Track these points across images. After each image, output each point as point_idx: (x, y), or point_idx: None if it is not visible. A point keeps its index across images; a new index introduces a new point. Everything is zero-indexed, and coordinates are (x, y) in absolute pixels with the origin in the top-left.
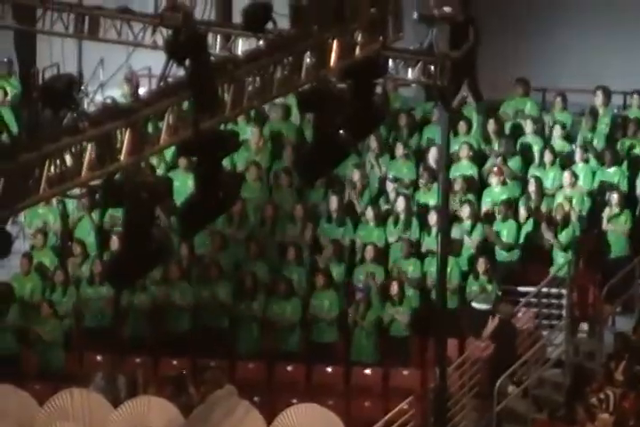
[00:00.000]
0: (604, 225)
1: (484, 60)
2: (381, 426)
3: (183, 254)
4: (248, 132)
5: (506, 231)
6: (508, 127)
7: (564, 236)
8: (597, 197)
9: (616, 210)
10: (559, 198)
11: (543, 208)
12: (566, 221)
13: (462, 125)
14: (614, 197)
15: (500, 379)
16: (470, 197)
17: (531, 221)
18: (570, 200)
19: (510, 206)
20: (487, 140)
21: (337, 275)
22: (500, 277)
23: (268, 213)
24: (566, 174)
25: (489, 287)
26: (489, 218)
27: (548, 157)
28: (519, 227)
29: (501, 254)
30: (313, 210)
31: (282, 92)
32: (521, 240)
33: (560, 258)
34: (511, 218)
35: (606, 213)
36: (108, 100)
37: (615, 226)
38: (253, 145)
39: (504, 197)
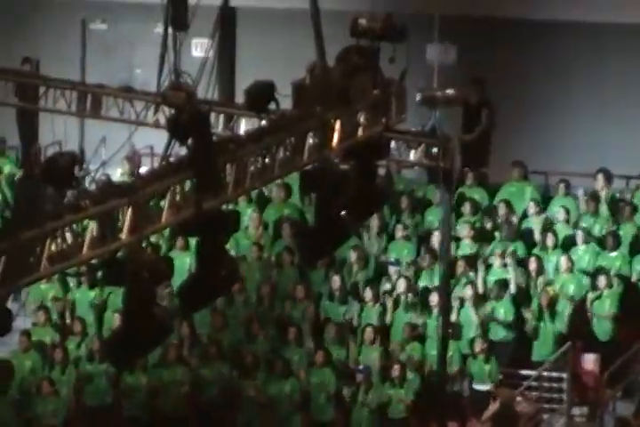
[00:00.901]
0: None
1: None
2: None
3: (184, 334)
4: (248, 215)
5: (503, 310)
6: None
7: (554, 320)
8: (593, 281)
9: (604, 292)
10: (557, 283)
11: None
12: (552, 305)
13: (466, 207)
14: (602, 279)
15: None
16: (471, 277)
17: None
18: (567, 284)
19: (503, 287)
20: (492, 223)
21: (337, 355)
22: (500, 358)
23: (266, 291)
24: (563, 258)
25: (487, 367)
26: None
27: (550, 240)
28: (516, 306)
29: (499, 334)
30: (315, 289)
31: (284, 172)
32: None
33: (551, 342)
34: (508, 296)
35: (590, 296)
36: (103, 178)
37: (599, 309)
38: (253, 229)
39: (506, 276)
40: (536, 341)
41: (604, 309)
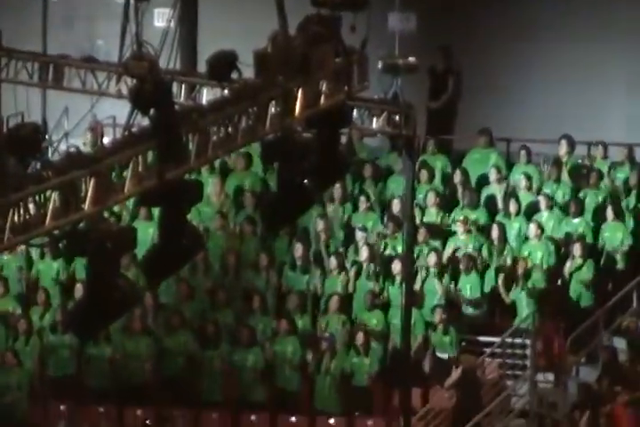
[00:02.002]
0: (567, 276)
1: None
2: None
3: (147, 304)
4: (211, 183)
5: (469, 285)
6: (474, 178)
7: (525, 289)
8: (562, 248)
9: (579, 261)
10: (525, 250)
11: (507, 260)
12: (527, 274)
13: (424, 174)
14: (577, 247)
15: None
16: (435, 244)
17: (493, 273)
18: (535, 251)
19: (472, 259)
20: (451, 190)
21: (302, 324)
22: (464, 327)
23: (232, 261)
24: (532, 225)
25: (446, 338)
26: (453, 266)
27: (512, 207)
28: (483, 279)
29: (467, 310)
30: (278, 258)
31: (247, 141)
32: (486, 291)
33: (523, 309)
34: (474, 271)
35: (569, 264)
36: (72, 149)
37: (578, 277)
38: (215, 196)
39: (469, 246)
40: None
41: (581, 276)
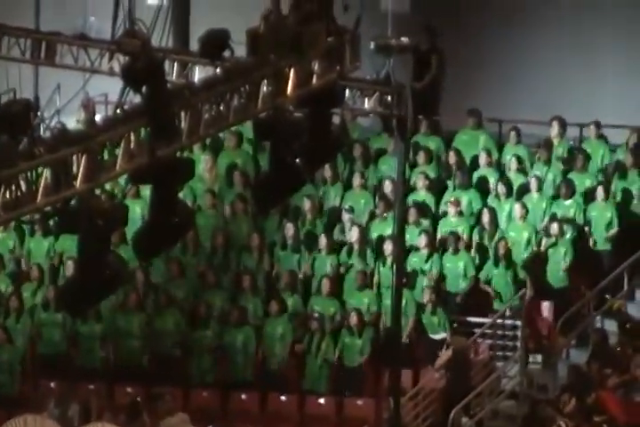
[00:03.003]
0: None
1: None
2: None
3: (139, 282)
4: (203, 161)
5: (462, 263)
6: (466, 159)
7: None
8: (547, 229)
9: (554, 240)
10: (511, 231)
11: (495, 240)
12: (508, 255)
13: (420, 156)
14: (554, 227)
15: (453, 410)
16: (425, 225)
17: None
18: (520, 232)
19: (459, 239)
20: (446, 171)
21: (292, 305)
22: (453, 307)
23: (220, 241)
24: (517, 206)
25: (434, 318)
26: (444, 247)
27: (502, 189)
28: (472, 260)
29: (454, 286)
30: (268, 238)
31: (238, 120)
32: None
33: (508, 290)
34: (463, 251)
35: (544, 242)
36: (58, 126)
37: (554, 256)
38: (206, 173)
39: (459, 227)
40: (495, 290)
41: (558, 256)
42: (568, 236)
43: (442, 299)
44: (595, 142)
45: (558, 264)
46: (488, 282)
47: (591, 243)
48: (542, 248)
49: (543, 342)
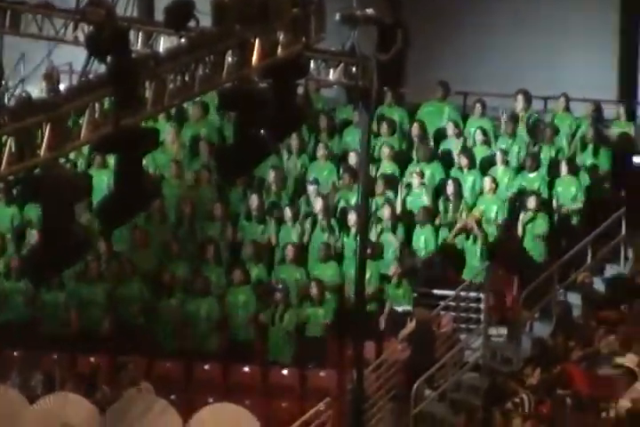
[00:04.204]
0: (520, 230)
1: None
2: None
3: (102, 251)
4: (168, 131)
5: (423, 237)
6: (430, 131)
7: (477, 242)
8: (516, 203)
9: (532, 214)
10: (479, 204)
11: (463, 215)
12: (478, 227)
13: (383, 126)
14: (531, 201)
15: (417, 382)
16: (390, 196)
17: (447, 227)
18: (489, 206)
19: (429, 212)
20: (409, 143)
21: (256, 275)
22: (418, 280)
23: (187, 211)
24: (487, 179)
25: (399, 291)
26: (410, 220)
27: (466, 161)
28: (437, 232)
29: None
30: (233, 208)
31: (203, 90)
32: (439, 244)
33: (475, 263)
34: (429, 223)
35: (522, 217)
36: (23, 95)
37: (532, 230)
38: (170, 144)
39: (424, 200)
40: (462, 263)
41: (535, 230)
42: (541, 209)
43: (406, 271)
44: (562, 115)
45: (533, 239)
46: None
47: (558, 217)
48: (520, 223)
49: (506, 315)
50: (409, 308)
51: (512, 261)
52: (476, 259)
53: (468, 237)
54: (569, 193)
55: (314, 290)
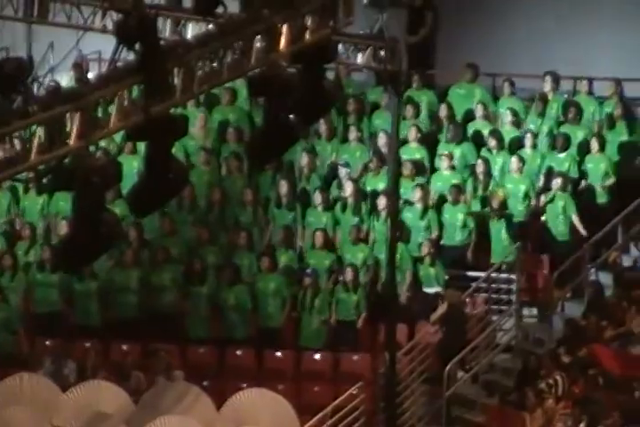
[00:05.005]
0: (546, 209)
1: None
2: (331, 411)
3: (132, 239)
4: (197, 117)
5: (454, 216)
6: (459, 113)
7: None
8: (544, 183)
9: (559, 194)
10: (506, 183)
11: (489, 193)
12: (503, 207)
13: (409, 109)
14: (557, 180)
15: (449, 364)
16: (420, 180)
17: (478, 206)
18: (517, 185)
19: (460, 191)
20: (438, 125)
21: (287, 260)
22: (448, 261)
23: (216, 197)
24: (513, 159)
25: (432, 270)
26: (439, 202)
27: (495, 142)
28: (469, 210)
29: (451, 239)
30: (263, 195)
31: (232, 76)
32: (470, 225)
33: (505, 243)
34: (461, 203)
35: (545, 196)
36: (52, 84)
37: (555, 209)
38: (199, 129)
39: (454, 181)
40: (491, 243)
41: (558, 210)
42: (567, 189)
43: (438, 252)
44: (584, 97)
45: (558, 218)
46: (486, 235)
47: (589, 195)
48: (542, 202)
49: (538, 296)
50: (439, 290)
51: (539, 241)
52: (503, 240)
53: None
54: (598, 170)
55: (348, 275)
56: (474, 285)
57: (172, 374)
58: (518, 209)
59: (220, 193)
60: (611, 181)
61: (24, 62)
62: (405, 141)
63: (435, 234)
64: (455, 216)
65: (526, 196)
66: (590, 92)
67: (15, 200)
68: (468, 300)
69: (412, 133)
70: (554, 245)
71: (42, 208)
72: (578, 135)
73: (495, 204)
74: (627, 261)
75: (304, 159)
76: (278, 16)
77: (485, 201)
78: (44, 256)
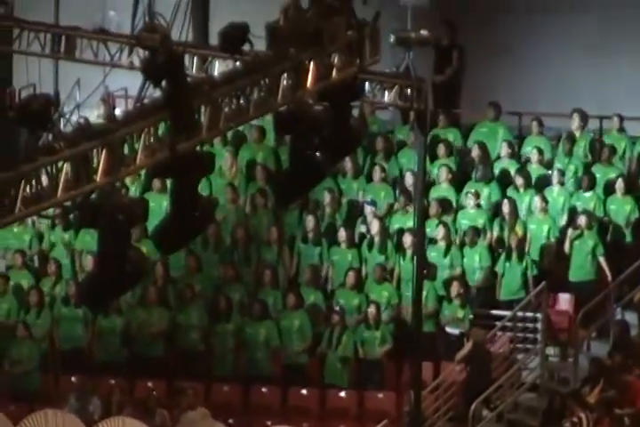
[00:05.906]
0: (568, 247)
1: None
2: None
3: (158, 276)
4: (224, 155)
5: (477, 257)
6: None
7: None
8: (567, 221)
9: (587, 232)
10: (531, 224)
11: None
12: (521, 247)
13: (441, 149)
14: (582, 218)
15: (474, 403)
16: (446, 219)
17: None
18: (540, 225)
19: (477, 232)
20: (467, 164)
21: (314, 299)
22: (474, 300)
23: (241, 235)
24: (537, 198)
25: (461, 312)
26: (464, 240)
27: (522, 181)
28: (488, 252)
29: (472, 279)
30: (288, 232)
31: (258, 113)
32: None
33: (515, 282)
34: (481, 244)
35: (570, 234)
36: (81, 121)
37: (580, 247)
38: (227, 168)
39: (480, 219)
40: (504, 281)
41: (585, 249)
42: (593, 228)
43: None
44: (616, 135)
45: (587, 258)
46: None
47: (614, 235)
48: (567, 240)
49: (563, 335)
50: (462, 330)
51: (563, 280)
52: (516, 279)
53: (509, 257)
54: (623, 211)
55: (371, 313)
56: (499, 324)
57: (198, 412)
58: (537, 248)
59: (245, 230)
60: (634, 219)
61: (51, 99)
62: (434, 182)
63: (458, 271)
64: (473, 257)
65: (549, 235)
66: (621, 129)
67: (38, 236)
68: (493, 338)
69: (442, 174)
70: (576, 283)
71: (68, 244)
72: (607, 175)
73: (513, 243)
74: None
75: (328, 197)
76: (305, 54)
77: (503, 241)
78: (70, 291)
